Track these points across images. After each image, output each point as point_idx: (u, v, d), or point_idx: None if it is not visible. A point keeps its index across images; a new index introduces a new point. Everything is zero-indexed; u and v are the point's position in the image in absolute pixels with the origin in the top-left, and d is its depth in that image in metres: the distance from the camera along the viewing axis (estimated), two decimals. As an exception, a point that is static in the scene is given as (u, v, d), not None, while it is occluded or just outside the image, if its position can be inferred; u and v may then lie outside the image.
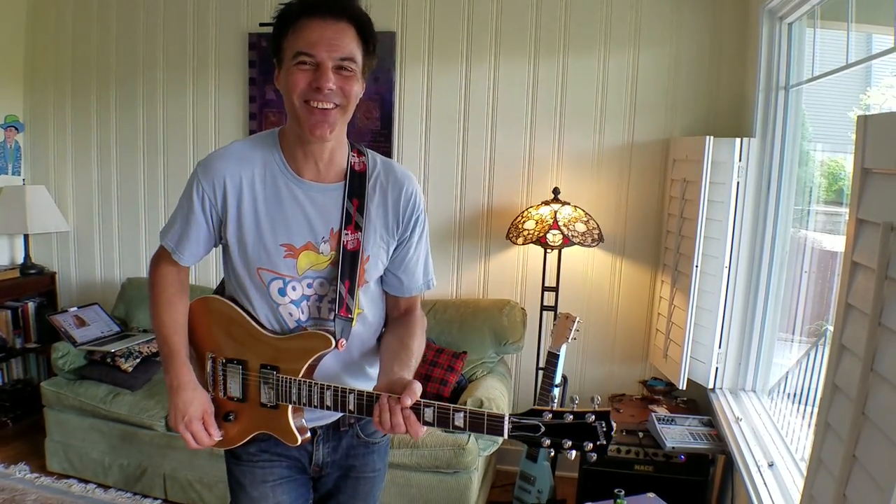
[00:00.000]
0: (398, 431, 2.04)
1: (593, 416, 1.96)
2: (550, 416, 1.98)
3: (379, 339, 2.55)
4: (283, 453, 2.48)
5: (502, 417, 1.98)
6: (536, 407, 2.02)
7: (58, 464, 5.22)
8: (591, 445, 1.96)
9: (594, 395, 2.06)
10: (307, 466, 2.53)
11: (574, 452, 1.98)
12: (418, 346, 2.42)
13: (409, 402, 2.02)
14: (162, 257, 2.43)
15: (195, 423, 2.29)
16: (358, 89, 2.16)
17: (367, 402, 2.14)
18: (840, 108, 4.29)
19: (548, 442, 1.98)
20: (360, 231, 2.31)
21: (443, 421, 2.04)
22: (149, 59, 5.98)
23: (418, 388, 2.05)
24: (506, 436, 1.99)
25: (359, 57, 2.13)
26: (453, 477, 4.44)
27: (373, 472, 2.65)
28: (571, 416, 1.96)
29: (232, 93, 5.83)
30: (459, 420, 2.02)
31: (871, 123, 2.10)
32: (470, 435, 4.41)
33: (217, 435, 2.33)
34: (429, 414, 2.05)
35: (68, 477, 5.16)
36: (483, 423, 2.00)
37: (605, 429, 1.96)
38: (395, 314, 2.58)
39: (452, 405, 2.05)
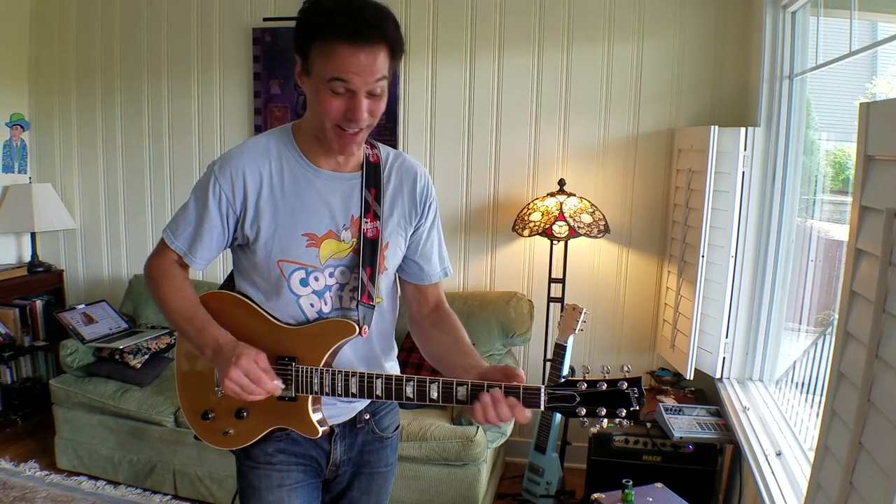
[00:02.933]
0: (504, 420, 2.04)
1: (626, 384, 2.02)
2: (585, 385, 2.03)
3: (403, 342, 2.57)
4: (302, 454, 2.44)
5: (538, 389, 2.03)
6: (571, 378, 2.07)
7: (67, 461, 5.24)
8: (624, 412, 2.02)
9: (624, 364, 2.11)
10: (324, 468, 2.50)
11: (606, 420, 2.04)
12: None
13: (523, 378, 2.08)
14: (164, 256, 2.37)
15: (245, 360, 2.11)
16: (384, 104, 2.16)
17: (397, 386, 2.15)
18: (846, 96, 4.29)
19: (583, 411, 2.03)
20: (379, 220, 2.33)
21: (476, 398, 2.06)
22: (153, 56, 6.00)
23: (521, 372, 2.10)
24: (542, 407, 2.03)
25: (388, 72, 2.11)
26: (462, 469, 4.45)
27: (386, 466, 2.64)
28: (605, 385, 2.02)
29: (236, 88, 5.84)
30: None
31: (874, 111, 2.10)
32: (478, 427, 4.42)
33: (274, 377, 2.20)
34: (462, 392, 2.08)
35: (78, 474, 5.18)
36: (519, 397, 2.03)
37: (637, 395, 2.02)
38: (426, 310, 2.59)
39: (486, 381, 2.07)
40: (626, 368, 2.08)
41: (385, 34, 2.03)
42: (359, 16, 1.99)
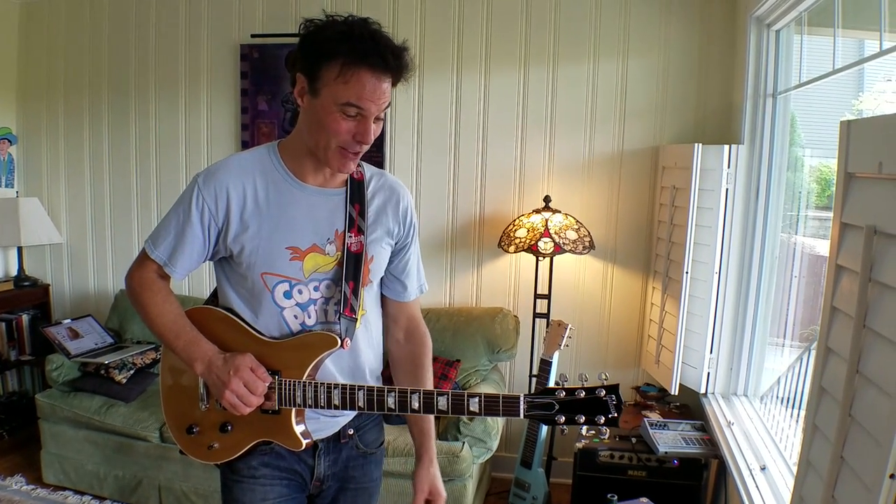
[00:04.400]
0: None
1: (604, 391, 2.09)
2: (563, 393, 2.09)
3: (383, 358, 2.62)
4: (286, 468, 2.45)
5: (517, 398, 2.09)
6: (549, 386, 2.14)
7: (53, 476, 5.22)
8: (603, 419, 2.08)
9: (602, 372, 2.18)
10: (308, 482, 2.51)
11: (585, 428, 2.11)
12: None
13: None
14: (145, 268, 2.38)
15: (245, 371, 2.19)
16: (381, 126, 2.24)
17: (378, 398, 2.20)
18: (833, 113, 4.32)
19: (562, 419, 2.09)
20: (363, 234, 2.36)
21: (457, 408, 2.13)
22: (141, 71, 6.00)
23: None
24: (521, 415, 2.09)
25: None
26: (448, 485, 4.43)
27: (371, 482, 2.65)
28: (584, 393, 2.09)
29: (224, 104, 5.85)
30: (474, 405, 2.12)
31: (855, 128, 2.12)
32: (464, 443, 4.43)
33: (269, 380, 2.24)
34: (442, 402, 2.14)
35: (64, 489, 5.17)
36: (499, 406, 2.11)
37: (615, 402, 2.08)
38: (403, 322, 2.65)
39: (466, 391, 2.14)
40: (603, 376, 2.14)
41: (403, 66, 2.14)
42: (384, 45, 2.08)
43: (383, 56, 2.05)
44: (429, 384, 2.55)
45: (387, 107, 2.15)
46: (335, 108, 2.09)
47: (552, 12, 5.19)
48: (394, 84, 2.17)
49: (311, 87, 2.14)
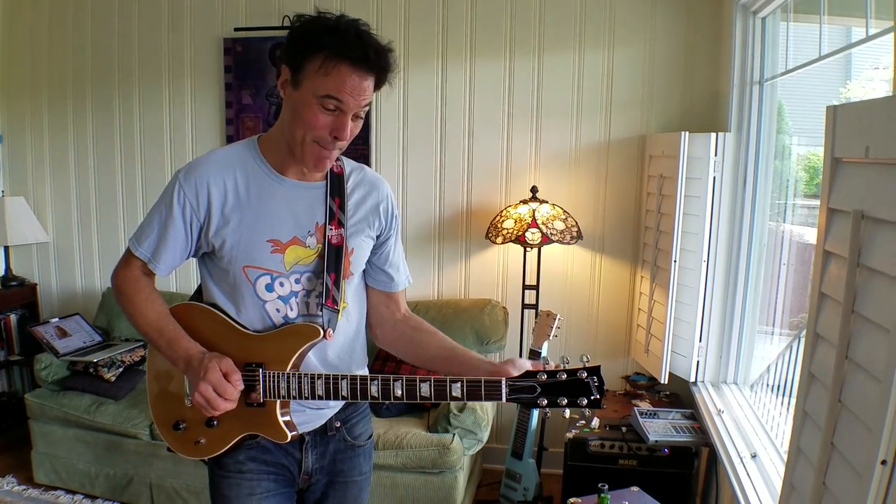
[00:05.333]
0: None
1: (585, 373, 2.09)
2: (545, 376, 2.11)
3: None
4: (273, 462, 2.46)
5: (500, 381, 2.10)
6: (531, 369, 2.14)
7: (45, 475, 5.21)
8: (585, 401, 2.09)
9: (583, 354, 2.17)
10: (296, 476, 2.51)
11: (568, 411, 2.12)
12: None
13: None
14: (131, 265, 2.40)
15: (214, 374, 2.16)
16: (360, 126, 2.26)
17: (362, 386, 2.21)
18: (821, 101, 4.31)
19: (545, 402, 2.11)
20: (343, 227, 2.38)
21: (440, 394, 2.15)
22: (124, 68, 5.97)
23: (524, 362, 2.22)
24: (504, 399, 2.10)
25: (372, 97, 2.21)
26: (439, 477, 4.45)
27: (360, 475, 2.65)
28: (565, 375, 2.10)
29: (208, 99, 5.82)
30: (457, 390, 2.14)
31: (841, 113, 2.12)
32: (454, 435, 4.43)
33: (240, 384, 2.21)
34: (425, 388, 2.16)
35: (56, 488, 5.15)
36: (481, 390, 2.12)
37: (597, 384, 2.10)
38: (399, 315, 2.67)
39: (448, 377, 2.15)
40: (584, 358, 2.14)
41: (385, 64, 2.16)
42: (367, 42, 2.10)
43: (365, 51, 2.07)
44: (449, 340, 2.56)
45: (366, 105, 2.16)
46: (314, 101, 2.11)
47: (537, 2, 5.18)
48: (377, 85, 2.19)
49: (293, 79, 2.16)
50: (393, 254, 2.61)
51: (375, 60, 2.10)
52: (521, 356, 4.92)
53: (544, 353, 4.48)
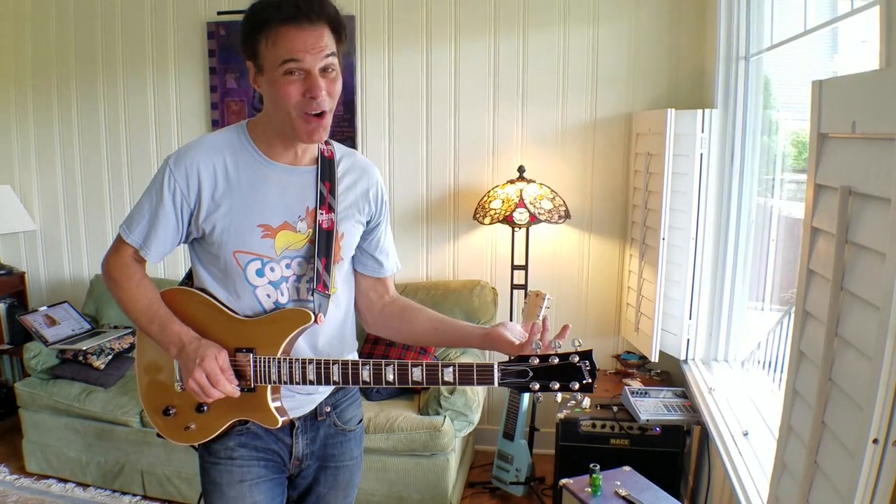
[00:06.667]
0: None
1: (577, 357, 2.11)
2: (537, 360, 2.11)
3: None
4: (263, 448, 2.45)
5: (492, 366, 2.11)
6: (523, 353, 2.17)
7: (36, 464, 5.21)
8: (577, 385, 2.11)
9: (576, 338, 2.20)
10: (287, 462, 2.51)
11: (560, 395, 2.14)
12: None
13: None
14: (121, 252, 2.40)
15: (210, 362, 2.17)
16: (340, 86, 2.23)
17: (353, 371, 2.21)
18: (808, 74, 4.30)
19: (537, 386, 2.11)
20: (334, 212, 2.38)
21: (432, 378, 2.16)
22: (108, 54, 5.94)
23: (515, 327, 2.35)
24: (496, 384, 2.12)
25: (337, 50, 2.18)
26: (430, 459, 4.46)
27: (351, 459, 2.66)
28: (557, 359, 2.11)
29: (192, 83, 5.80)
30: (449, 375, 2.15)
31: (826, 88, 2.11)
32: (445, 417, 4.43)
33: (233, 379, 2.22)
34: (417, 373, 2.16)
35: (47, 477, 5.16)
36: (473, 375, 2.13)
37: (588, 368, 2.11)
38: (388, 298, 2.69)
39: (441, 361, 2.16)
40: (577, 342, 2.16)
41: (324, 10, 2.12)
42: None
43: (297, 6, 2.06)
44: (437, 313, 2.60)
45: (328, 57, 2.13)
46: (278, 75, 2.11)
47: (521, -20, 5.16)
48: (335, 33, 2.17)
49: (256, 66, 2.19)
50: (383, 240, 2.62)
51: (307, 9, 2.07)
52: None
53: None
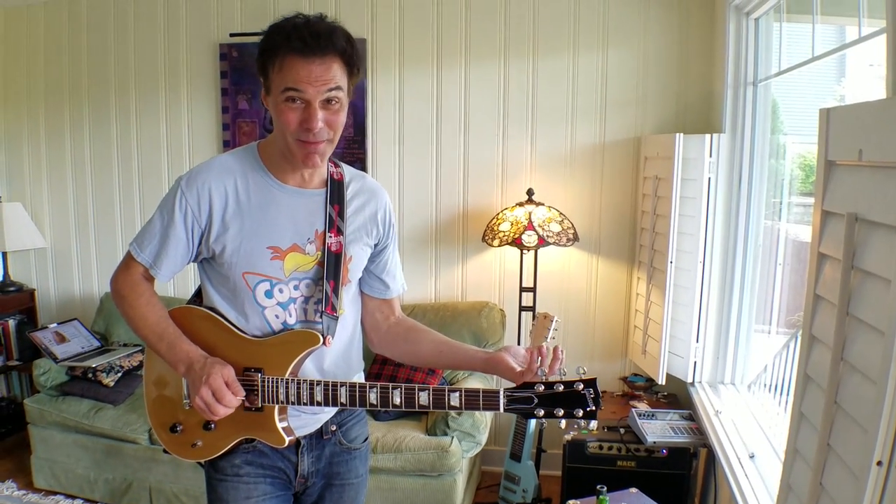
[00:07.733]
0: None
1: (582, 385, 2.13)
2: (542, 387, 2.14)
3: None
4: (269, 465, 2.46)
5: (497, 392, 2.13)
6: (528, 381, 2.18)
7: (44, 480, 5.21)
8: (581, 412, 2.13)
9: (579, 366, 2.19)
10: (292, 479, 2.52)
11: (564, 421, 2.15)
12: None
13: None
14: (131, 270, 2.41)
15: (216, 380, 2.18)
16: (343, 118, 2.23)
17: (360, 394, 2.22)
18: (816, 99, 4.33)
19: (542, 412, 2.14)
20: (342, 234, 2.39)
21: (438, 403, 2.17)
22: (120, 74, 5.97)
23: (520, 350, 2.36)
24: (501, 410, 2.14)
25: (345, 84, 2.19)
26: (438, 480, 4.46)
27: (356, 478, 2.66)
28: (562, 387, 2.13)
29: (204, 104, 5.83)
30: (455, 400, 2.16)
31: (834, 116, 2.13)
32: (452, 438, 4.44)
33: (241, 392, 2.24)
34: (424, 397, 2.18)
35: (55, 493, 5.16)
36: (479, 400, 2.15)
37: (592, 395, 2.14)
38: (393, 319, 2.70)
39: (447, 387, 2.17)
40: (581, 370, 2.16)
41: (334, 44, 2.12)
42: (310, 30, 2.10)
43: (306, 40, 2.08)
44: (441, 335, 2.59)
45: (332, 90, 2.14)
46: (281, 100, 2.14)
47: (531, 4, 5.19)
48: (347, 68, 2.19)
49: (265, 87, 2.22)
50: (390, 262, 2.64)
51: (315, 43, 2.08)
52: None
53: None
